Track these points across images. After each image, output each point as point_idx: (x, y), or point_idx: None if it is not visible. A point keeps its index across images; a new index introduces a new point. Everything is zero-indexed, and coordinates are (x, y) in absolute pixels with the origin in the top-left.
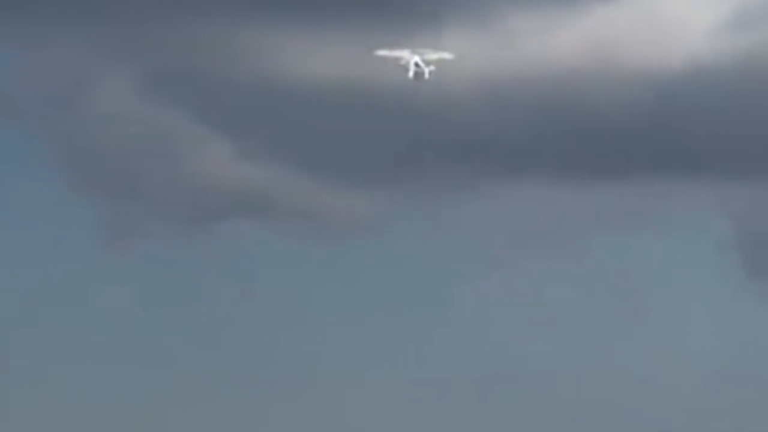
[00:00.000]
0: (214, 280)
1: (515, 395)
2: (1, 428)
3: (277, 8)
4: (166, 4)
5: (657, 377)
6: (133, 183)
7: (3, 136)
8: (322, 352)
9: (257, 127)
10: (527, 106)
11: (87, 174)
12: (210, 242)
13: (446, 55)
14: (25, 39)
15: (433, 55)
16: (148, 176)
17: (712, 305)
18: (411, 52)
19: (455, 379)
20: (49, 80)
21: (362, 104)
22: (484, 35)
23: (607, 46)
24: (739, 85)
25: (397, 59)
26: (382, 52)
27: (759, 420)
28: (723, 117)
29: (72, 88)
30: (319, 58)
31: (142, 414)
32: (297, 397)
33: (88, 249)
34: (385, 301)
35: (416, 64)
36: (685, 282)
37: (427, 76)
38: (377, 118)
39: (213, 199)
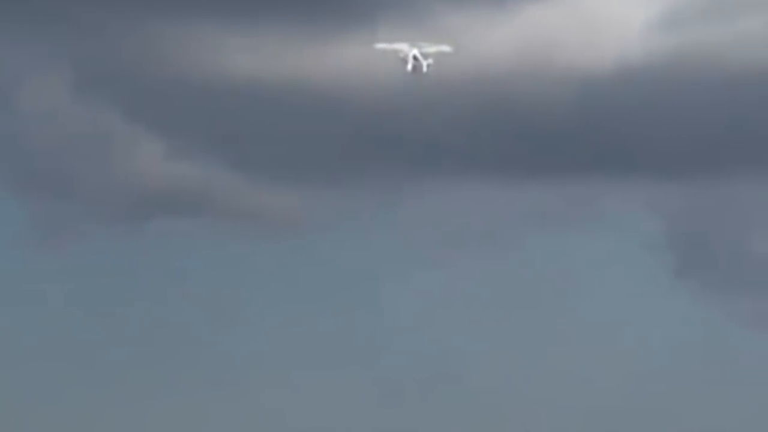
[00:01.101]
0: (147, 278)
1: (451, 394)
2: None
3: (210, 6)
4: (99, 4)
5: (589, 375)
6: (66, 182)
7: None
8: (258, 351)
9: (190, 126)
10: (461, 105)
11: (19, 173)
12: (143, 241)
13: (445, 48)
14: None
15: (432, 48)
16: (80, 175)
17: (642, 304)
18: (410, 46)
19: (393, 379)
20: None
21: (298, 103)
22: (418, 35)
23: (540, 46)
24: (670, 85)
25: (396, 52)
26: (381, 46)
27: (687, 417)
28: (654, 117)
29: (4, 88)
30: (253, 56)
31: (76, 414)
32: (232, 397)
33: (20, 248)
34: (322, 301)
35: (414, 57)
36: (616, 281)
37: (425, 69)
38: (313, 117)
39: (146, 198)
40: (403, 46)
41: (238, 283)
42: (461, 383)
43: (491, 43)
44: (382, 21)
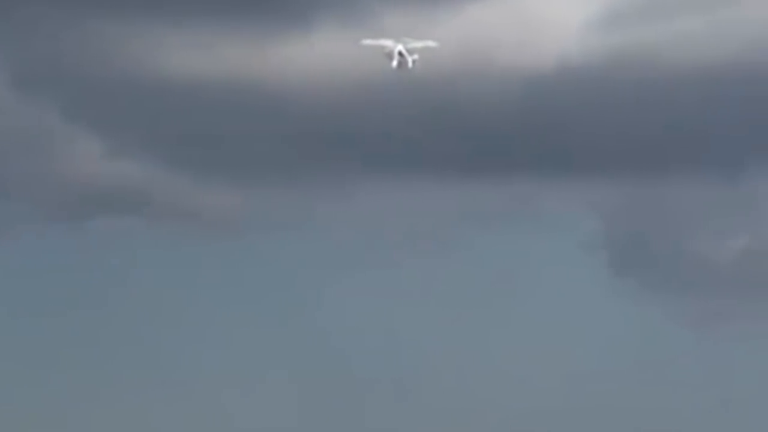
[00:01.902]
0: (88, 278)
1: (393, 394)
2: None
3: (151, 4)
4: (36, 1)
5: (528, 374)
6: (3, 181)
7: None
8: (200, 351)
9: (130, 125)
10: (401, 105)
11: None
12: (83, 241)
13: (431, 44)
14: None
15: (418, 44)
16: (18, 175)
17: (581, 304)
18: (395, 41)
19: (337, 379)
20: None
21: (239, 101)
22: (357, 35)
23: (480, 46)
24: (609, 85)
25: (381, 48)
26: (367, 42)
27: (626, 416)
28: (593, 116)
29: None
30: (193, 55)
31: (17, 416)
32: (175, 397)
33: None
34: (265, 301)
35: (400, 53)
36: (555, 281)
37: (410, 65)
38: (255, 116)
39: (85, 197)
40: (388, 42)
41: (180, 283)
42: (403, 382)
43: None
44: (324, 20)
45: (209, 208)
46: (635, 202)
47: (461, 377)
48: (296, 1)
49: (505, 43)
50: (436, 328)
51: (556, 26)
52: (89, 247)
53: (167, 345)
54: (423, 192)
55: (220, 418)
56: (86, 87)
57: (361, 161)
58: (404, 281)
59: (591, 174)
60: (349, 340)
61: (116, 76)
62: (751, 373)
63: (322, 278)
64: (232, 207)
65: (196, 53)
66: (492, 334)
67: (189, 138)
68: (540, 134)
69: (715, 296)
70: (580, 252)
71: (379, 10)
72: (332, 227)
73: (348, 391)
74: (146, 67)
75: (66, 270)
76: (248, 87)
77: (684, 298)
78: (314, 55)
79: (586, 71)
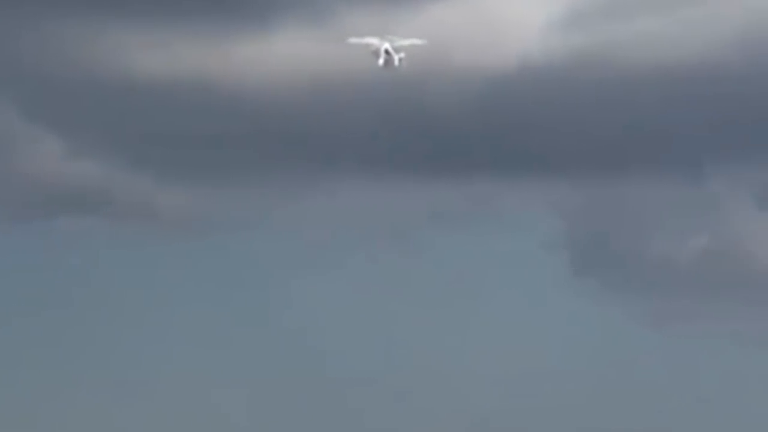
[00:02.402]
0: (49, 277)
1: (355, 392)
2: None
3: (112, 4)
4: None
5: (489, 373)
6: None
7: None
8: (161, 350)
9: (91, 125)
10: (361, 104)
11: None
12: (44, 240)
13: (417, 42)
14: None
15: (405, 42)
16: None
17: (542, 304)
18: (381, 39)
19: (294, 377)
20: None
21: (198, 102)
22: (318, 34)
23: (441, 46)
24: (570, 85)
25: (367, 46)
26: (352, 40)
27: (586, 415)
28: (554, 116)
29: None
30: (153, 55)
31: None
32: (136, 396)
33: None
34: (225, 300)
35: (386, 51)
36: (516, 281)
37: (396, 63)
38: (214, 116)
39: (46, 197)
40: (374, 41)
41: (142, 282)
42: (367, 380)
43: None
44: (283, 20)
45: (171, 207)
46: (596, 201)
47: (424, 376)
48: (256, 1)
49: (467, 43)
50: (399, 328)
51: (517, 26)
52: (51, 246)
53: (130, 344)
54: (384, 192)
55: (182, 417)
56: (47, 87)
57: (321, 161)
58: (366, 281)
59: (552, 174)
60: (311, 340)
61: (77, 76)
62: (711, 372)
63: (284, 278)
64: (194, 207)
65: (156, 53)
66: (454, 333)
67: (150, 138)
68: (501, 134)
69: (675, 296)
70: (541, 252)
71: (340, 9)
72: (293, 227)
73: (312, 390)
74: (107, 68)
75: (28, 269)
76: (208, 87)
77: (644, 298)
78: (274, 55)
79: (547, 71)
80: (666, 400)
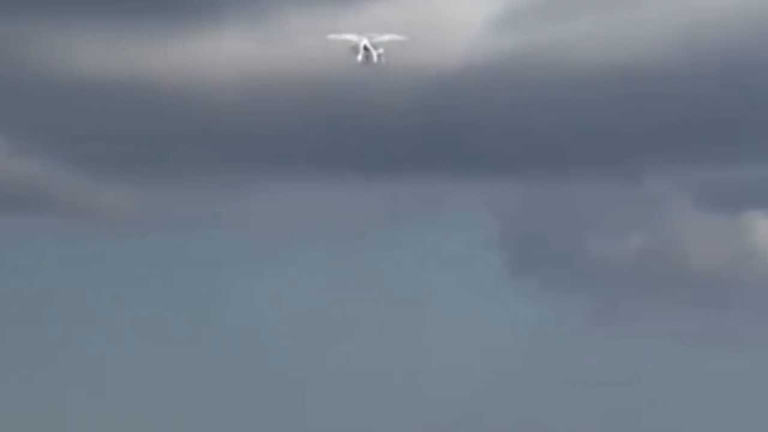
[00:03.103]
0: None
1: (302, 392)
2: None
3: (54, 4)
4: None
5: (430, 373)
6: None
7: None
8: (102, 349)
9: (34, 124)
10: (307, 104)
11: None
12: None
13: (397, 37)
14: None
15: (384, 38)
16: None
17: (482, 304)
18: (359, 35)
19: (235, 378)
20: None
21: (143, 100)
22: (263, 32)
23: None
24: (511, 84)
25: (346, 43)
26: (331, 37)
27: (524, 415)
28: (496, 116)
29: None
30: (97, 54)
31: None
32: (82, 395)
33: None
34: (167, 299)
35: (365, 48)
36: (457, 280)
37: (375, 59)
38: (159, 115)
39: None
40: (352, 37)
41: (85, 282)
42: (311, 379)
43: (331, 42)
44: (228, 19)
45: (116, 206)
46: (537, 201)
47: (370, 374)
48: (202, 0)
49: (409, 43)
50: (343, 328)
51: (460, 26)
52: None
53: (73, 344)
54: (332, 191)
55: (130, 416)
56: None
57: (269, 160)
58: (315, 281)
59: (494, 173)
60: (260, 339)
61: (21, 75)
62: (650, 371)
63: (233, 277)
64: (139, 205)
65: (101, 52)
66: (398, 333)
67: (94, 137)
68: (443, 134)
69: (614, 296)
70: (484, 252)
71: (284, 8)
72: (242, 226)
73: (261, 389)
74: (51, 66)
75: None
76: (153, 86)
77: (583, 298)
78: (220, 54)
79: (488, 71)
80: (605, 399)
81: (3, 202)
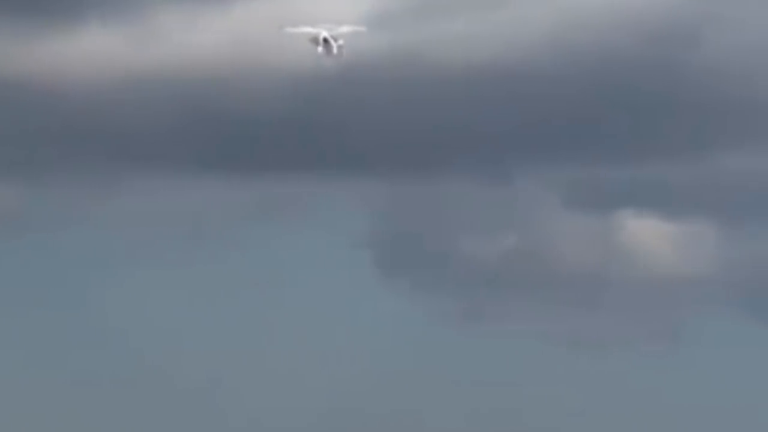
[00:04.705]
0: None
1: (161, 392)
2: None
3: None
4: None
5: (298, 374)
6: None
7: None
8: None
9: None
10: (172, 101)
11: None
12: None
13: (359, 28)
14: None
15: (345, 29)
16: None
17: (351, 304)
18: (318, 28)
19: (102, 378)
20: None
21: (7, 99)
22: (128, 30)
23: (250, 44)
24: (379, 84)
25: (305, 35)
26: (288, 29)
27: (394, 417)
28: (363, 115)
29: None
30: None
31: None
32: None
33: None
34: (42, 298)
35: (325, 40)
36: (327, 280)
37: (335, 51)
38: (30, 113)
39: None
40: (311, 29)
41: None
42: (174, 379)
43: (202, 40)
44: (93, 17)
45: None
46: (406, 201)
47: (234, 378)
48: None
49: (276, 42)
50: (209, 328)
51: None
52: None
53: None
54: (197, 190)
55: None
56: None
57: (136, 159)
58: (182, 280)
59: (364, 173)
60: (127, 339)
61: None
62: (519, 371)
63: (101, 277)
64: (8, 204)
65: None
66: (264, 333)
67: None
68: (313, 133)
69: (483, 295)
70: (353, 251)
71: (151, 7)
72: (104, 225)
73: (127, 390)
74: None
75: None
76: (19, 84)
77: (453, 298)
78: (85, 52)
79: (360, 71)
80: (474, 399)
81: None
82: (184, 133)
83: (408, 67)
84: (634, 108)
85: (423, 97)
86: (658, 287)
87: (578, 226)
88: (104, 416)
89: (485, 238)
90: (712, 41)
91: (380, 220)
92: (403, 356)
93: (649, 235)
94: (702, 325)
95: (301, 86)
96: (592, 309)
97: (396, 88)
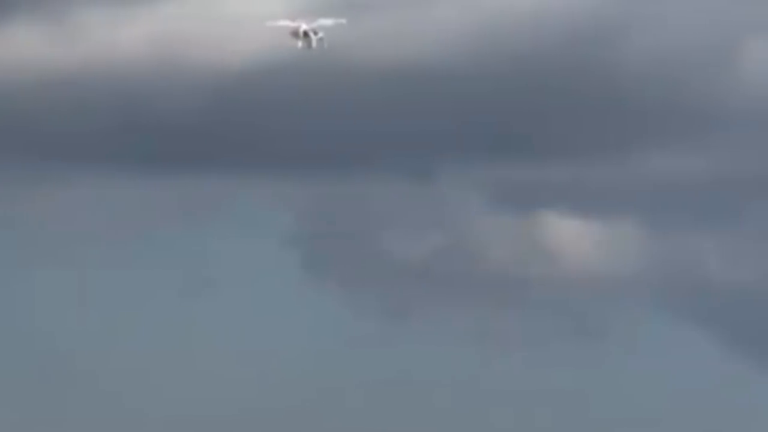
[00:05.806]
0: None
1: (80, 397)
2: None
3: None
4: None
5: (226, 376)
6: None
7: None
8: None
9: None
10: (102, 100)
11: None
12: None
13: (341, 21)
14: None
15: (326, 22)
16: None
17: (278, 304)
18: (297, 21)
19: (24, 376)
20: None
21: None
22: (49, 28)
23: (173, 42)
24: (302, 82)
25: (284, 29)
26: (269, 24)
27: (329, 417)
28: (287, 114)
29: None
30: None
31: None
32: None
33: None
34: None
35: (305, 33)
36: (252, 280)
37: (314, 44)
38: None
39: None
40: (290, 22)
41: None
42: (97, 376)
43: (125, 38)
44: (16, 16)
45: None
46: (331, 200)
47: (161, 380)
48: None
49: (199, 41)
50: (131, 331)
51: (249, 25)
52: None
53: None
54: (121, 188)
55: None
56: None
57: (60, 157)
58: (102, 277)
59: (286, 171)
60: (49, 335)
61: None
62: (442, 370)
63: (22, 277)
64: None
65: None
66: (189, 332)
67: None
68: (237, 131)
69: (409, 295)
70: (279, 250)
71: (75, 4)
72: (15, 224)
73: (53, 386)
74: None
75: None
76: None
77: (377, 296)
78: (6, 51)
79: (280, 69)
80: (399, 398)
81: None
82: (108, 131)
83: (330, 66)
84: (558, 108)
85: (346, 97)
86: (581, 286)
87: (503, 225)
88: (24, 417)
89: (410, 237)
90: (635, 41)
91: (306, 219)
92: (329, 354)
93: (572, 235)
94: (626, 325)
95: (225, 84)
96: (515, 309)
97: (318, 87)
